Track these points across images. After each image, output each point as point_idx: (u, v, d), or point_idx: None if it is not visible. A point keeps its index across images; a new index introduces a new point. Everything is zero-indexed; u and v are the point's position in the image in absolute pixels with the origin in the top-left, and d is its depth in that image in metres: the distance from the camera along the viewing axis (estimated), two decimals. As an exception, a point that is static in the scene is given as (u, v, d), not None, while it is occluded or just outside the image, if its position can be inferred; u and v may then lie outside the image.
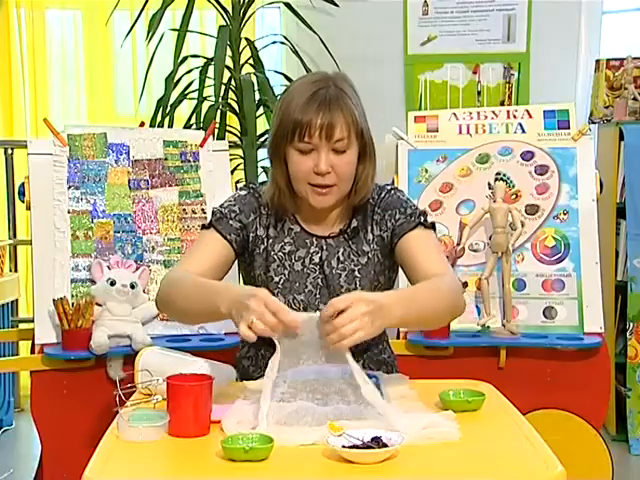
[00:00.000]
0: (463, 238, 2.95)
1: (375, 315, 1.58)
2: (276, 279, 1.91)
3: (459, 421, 1.62)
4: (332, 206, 1.92)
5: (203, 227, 1.99)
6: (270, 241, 1.95)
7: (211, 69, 3.74)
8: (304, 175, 1.86)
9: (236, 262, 2.01)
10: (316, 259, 1.93)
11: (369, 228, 1.97)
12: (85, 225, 2.82)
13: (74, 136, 2.87)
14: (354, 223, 1.97)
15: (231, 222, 1.95)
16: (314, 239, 1.96)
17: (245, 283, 2.06)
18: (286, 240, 1.95)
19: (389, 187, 2.01)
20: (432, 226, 1.97)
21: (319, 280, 1.90)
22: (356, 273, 1.91)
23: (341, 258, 1.92)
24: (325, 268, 1.91)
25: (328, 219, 1.96)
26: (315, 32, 3.94)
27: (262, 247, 1.95)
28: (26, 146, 2.88)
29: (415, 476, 1.45)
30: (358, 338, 1.57)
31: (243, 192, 2.02)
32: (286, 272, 1.91)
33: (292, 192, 1.92)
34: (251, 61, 3.95)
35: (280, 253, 1.93)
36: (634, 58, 4.05)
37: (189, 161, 2.96)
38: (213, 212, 2.01)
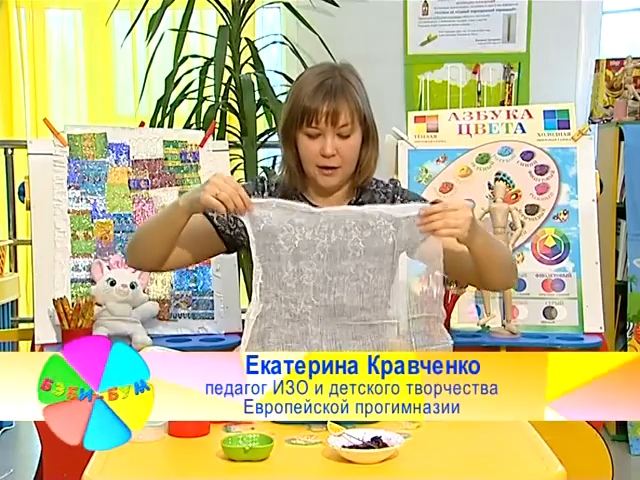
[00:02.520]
0: (463, 238, 2.95)
1: (472, 227, 1.84)
2: (286, 248, 1.94)
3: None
4: (337, 186, 2.08)
5: None
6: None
7: (211, 69, 3.73)
8: (312, 157, 2.03)
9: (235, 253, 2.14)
10: (325, 228, 1.98)
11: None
12: (85, 225, 2.82)
13: (74, 136, 2.87)
14: (360, 201, 2.10)
15: None
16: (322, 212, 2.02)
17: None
18: (295, 214, 1.99)
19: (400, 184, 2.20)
20: None
21: (326, 248, 1.96)
22: (360, 243, 1.97)
23: (347, 227, 1.98)
24: (332, 236, 1.97)
25: (334, 197, 2.11)
26: (315, 32, 3.93)
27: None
28: (26, 146, 2.88)
29: (415, 476, 1.45)
30: (453, 234, 1.83)
31: (247, 182, 2.21)
32: (296, 242, 1.95)
33: (301, 173, 2.09)
34: (251, 61, 3.95)
35: (289, 224, 1.98)
36: (634, 58, 4.05)
37: (189, 161, 2.96)
38: None
